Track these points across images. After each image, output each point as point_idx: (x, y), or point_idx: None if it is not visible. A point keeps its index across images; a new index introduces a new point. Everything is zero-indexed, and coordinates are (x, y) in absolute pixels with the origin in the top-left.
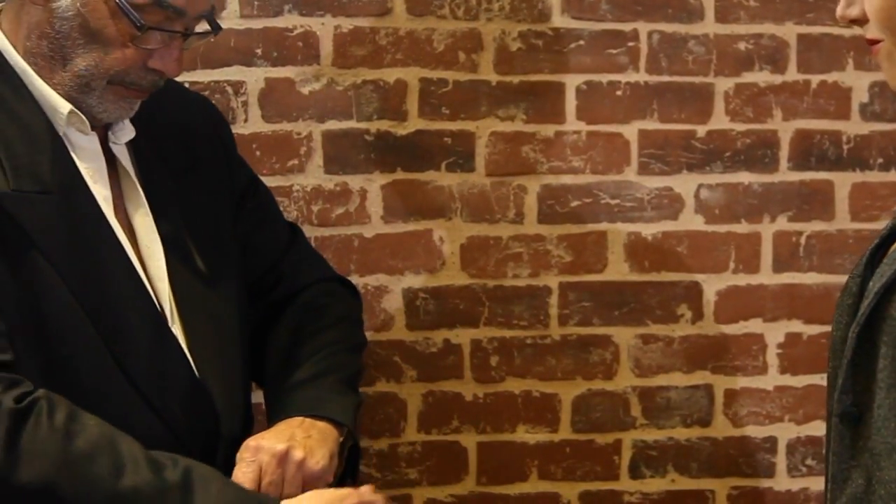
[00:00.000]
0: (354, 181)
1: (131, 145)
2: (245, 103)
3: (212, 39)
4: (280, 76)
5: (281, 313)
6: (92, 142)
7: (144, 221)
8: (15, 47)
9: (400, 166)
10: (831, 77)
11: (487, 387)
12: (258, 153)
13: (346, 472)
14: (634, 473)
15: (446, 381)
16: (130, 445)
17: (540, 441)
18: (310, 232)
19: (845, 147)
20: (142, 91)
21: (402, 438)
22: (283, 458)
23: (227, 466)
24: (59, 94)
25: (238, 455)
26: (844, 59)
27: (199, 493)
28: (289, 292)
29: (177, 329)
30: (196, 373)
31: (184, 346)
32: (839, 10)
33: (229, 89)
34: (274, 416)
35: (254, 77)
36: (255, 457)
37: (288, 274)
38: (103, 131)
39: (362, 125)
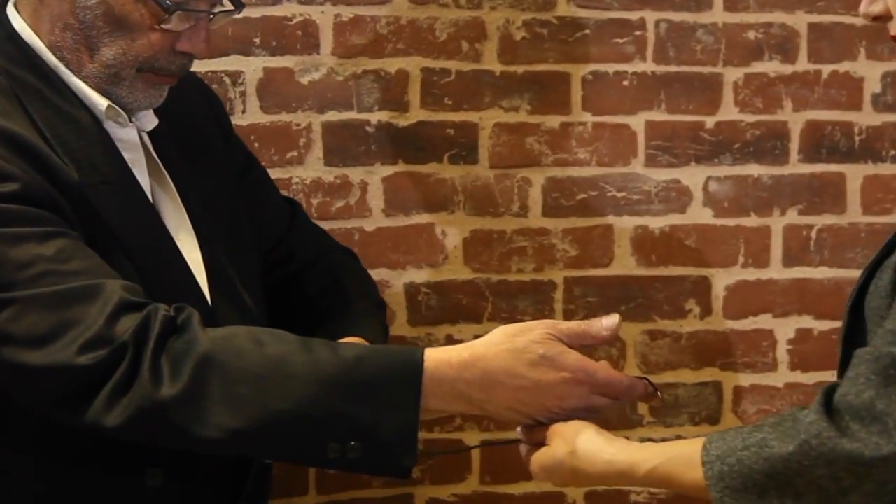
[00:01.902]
0: (355, 173)
1: (151, 135)
2: (243, 94)
3: (238, 14)
4: (279, 66)
5: (297, 288)
6: (130, 133)
7: (176, 213)
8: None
9: (401, 158)
10: (843, 67)
11: None
12: (256, 145)
13: None
14: None
15: None
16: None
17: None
18: None
19: (857, 138)
20: (171, 76)
21: None
22: None
23: (258, 465)
24: (90, 87)
25: None
26: (856, 48)
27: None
28: (299, 267)
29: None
30: None
31: None
32: (862, 7)
33: (227, 79)
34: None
35: (252, 67)
36: None
37: (296, 249)
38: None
39: (363, 116)
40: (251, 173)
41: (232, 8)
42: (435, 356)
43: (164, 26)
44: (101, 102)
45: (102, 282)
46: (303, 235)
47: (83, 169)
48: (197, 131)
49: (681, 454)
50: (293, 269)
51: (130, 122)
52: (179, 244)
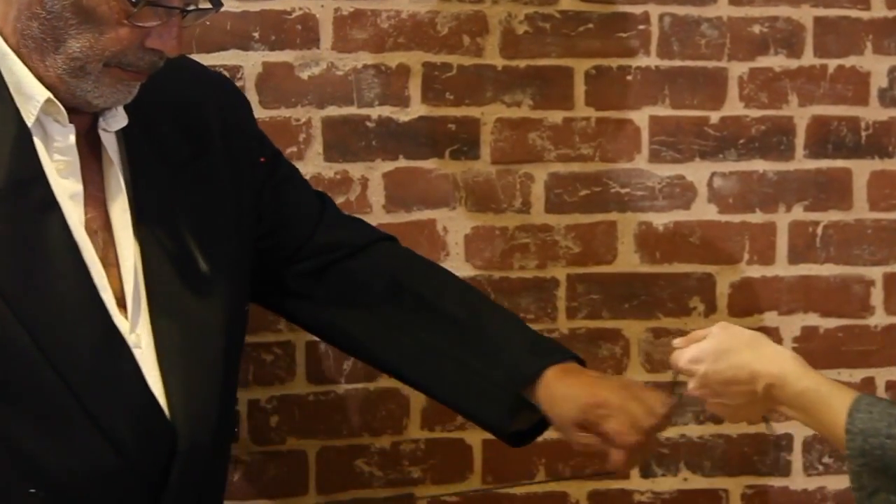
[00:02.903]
0: (355, 169)
1: (122, 134)
2: (242, 89)
3: (214, 13)
4: (278, 60)
5: (360, 273)
6: (65, 135)
7: (122, 218)
8: (2, 30)
9: (402, 154)
10: (849, 61)
11: None
12: None
13: None
14: (645, 472)
15: None
16: None
17: (547, 438)
18: None
19: (864, 134)
20: (140, 73)
21: (404, 436)
22: None
23: (183, 482)
24: (50, 78)
25: None
26: (863, 42)
27: None
28: (347, 254)
29: (144, 335)
30: (155, 387)
31: (152, 354)
32: None
33: (225, 74)
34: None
35: (251, 61)
36: None
37: (337, 238)
38: (91, 119)
39: (363, 111)
40: (277, 173)
41: (209, 7)
42: None
43: (133, 22)
44: (40, 94)
45: None
46: (338, 225)
47: None
48: (195, 136)
49: (830, 402)
50: (340, 255)
51: (72, 122)
52: (119, 250)
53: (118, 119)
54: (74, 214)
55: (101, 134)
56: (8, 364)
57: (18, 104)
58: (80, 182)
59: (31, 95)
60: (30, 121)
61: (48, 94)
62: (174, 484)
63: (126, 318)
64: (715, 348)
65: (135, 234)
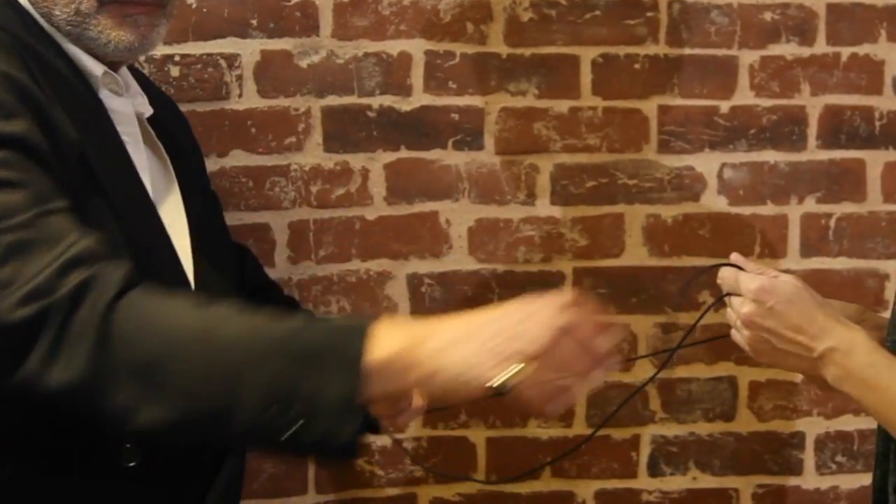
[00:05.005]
0: (356, 160)
1: (149, 121)
2: (239, 77)
3: None
4: (277, 48)
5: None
6: (125, 105)
7: (171, 196)
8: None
9: (404, 144)
10: (863, 49)
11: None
12: (253, 130)
13: None
14: (653, 471)
15: None
16: None
17: (553, 436)
18: (308, 214)
19: (877, 124)
20: (141, 3)
21: (406, 433)
22: None
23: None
24: (80, 49)
25: None
26: (877, 30)
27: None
28: (249, 291)
29: None
30: None
31: None
32: None
33: (223, 62)
34: None
35: (249, 49)
36: None
37: (247, 279)
38: None
39: (364, 101)
40: (217, 210)
41: None
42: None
43: None
44: (96, 69)
45: (70, 230)
46: (252, 269)
47: (82, 131)
48: (180, 142)
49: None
50: (243, 294)
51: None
52: (169, 228)
53: (146, 105)
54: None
55: (141, 117)
56: None
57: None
58: (143, 154)
59: (91, 72)
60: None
61: (104, 68)
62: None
63: None
64: (792, 290)
65: (185, 212)
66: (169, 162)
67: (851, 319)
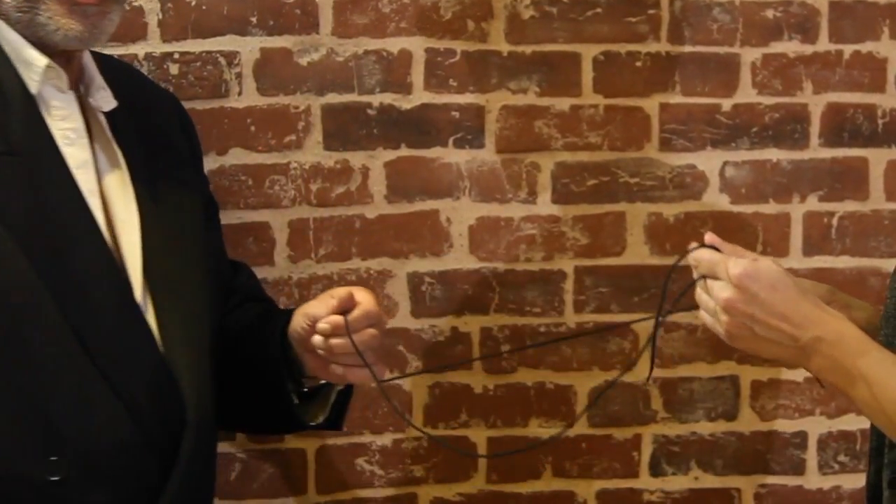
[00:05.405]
0: (356, 158)
1: (108, 117)
2: (239, 75)
3: None
4: (276, 46)
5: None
6: (68, 102)
7: (123, 192)
8: None
9: (404, 142)
10: (865, 47)
11: (498, 378)
12: (253, 128)
13: None
14: (655, 470)
15: (454, 372)
16: None
17: (555, 436)
18: (308, 212)
19: (880, 122)
20: None
21: (406, 433)
22: None
23: (193, 455)
24: (27, 40)
25: None
26: (879, 27)
27: None
28: (240, 299)
29: (146, 308)
30: (163, 354)
31: (152, 326)
32: None
33: (222, 60)
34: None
35: (248, 47)
36: None
37: (239, 291)
38: (80, 96)
39: (364, 98)
40: (212, 221)
41: None
42: None
43: None
44: (39, 61)
45: None
46: (245, 281)
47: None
48: (164, 139)
49: (890, 377)
50: (235, 302)
51: (78, 90)
52: (121, 224)
53: (108, 100)
54: (84, 183)
55: (95, 111)
56: (31, 328)
57: (20, 72)
58: (87, 151)
59: (31, 62)
60: (33, 89)
61: (47, 60)
62: (185, 457)
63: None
64: (776, 276)
65: (137, 207)
66: (121, 158)
67: (823, 299)
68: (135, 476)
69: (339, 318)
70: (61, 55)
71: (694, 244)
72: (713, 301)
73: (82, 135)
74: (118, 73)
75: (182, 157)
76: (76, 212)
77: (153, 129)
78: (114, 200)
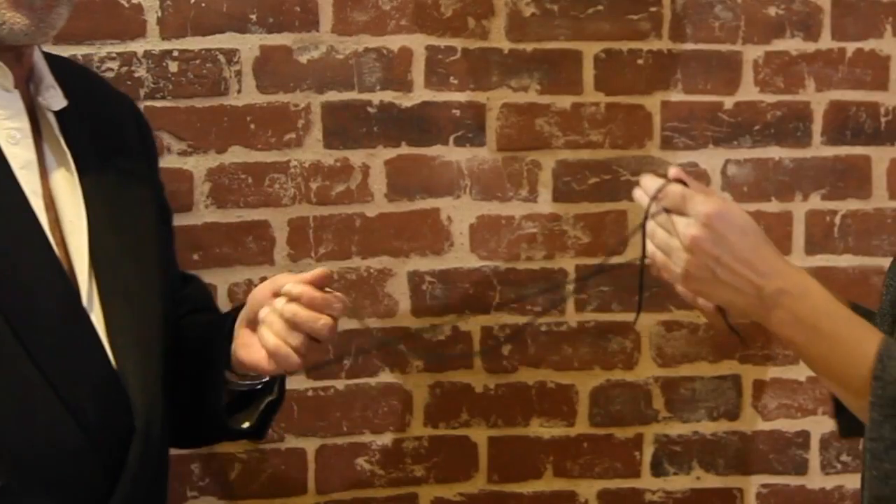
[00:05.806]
0: (356, 156)
1: (58, 117)
2: (238, 73)
3: None
4: (276, 43)
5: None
6: (13, 100)
7: (72, 193)
8: None
9: (405, 140)
10: (868, 45)
11: (499, 377)
12: (252, 126)
13: None
14: (657, 470)
15: (455, 372)
16: None
17: (555, 436)
18: (308, 211)
19: (883, 120)
20: None
21: (407, 433)
22: None
23: (142, 462)
24: None
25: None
26: (882, 25)
27: None
28: (189, 309)
29: (94, 312)
30: (112, 362)
31: (100, 331)
32: None
33: (221, 58)
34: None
35: (248, 44)
36: None
37: (189, 299)
38: (29, 95)
39: (364, 96)
40: (165, 227)
41: None
42: None
43: None
44: None
45: None
46: (194, 292)
47: None
48: (118, 141)
49: (860, 337)
50: (184, 311)
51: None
52: (67, 225)
53: (57, 99)
54: (28, 184)
55: (43, 110)
56: None
57: None
58: (32, 151)
59: None
60: None
61: None
62: (132, 464)
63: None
64: (746, 221)
65: (85, 209)
66: (70, 158)
67: None
68: (81, 483)
69: (325, 270)
70: (10, 52)
71: (662, 180)
72: (674, 238)
73: (27, 134)
74: (73, 74)
75: (137, 160)
76: (18, 212)
77: (107, 131)
78: (61, 201)
